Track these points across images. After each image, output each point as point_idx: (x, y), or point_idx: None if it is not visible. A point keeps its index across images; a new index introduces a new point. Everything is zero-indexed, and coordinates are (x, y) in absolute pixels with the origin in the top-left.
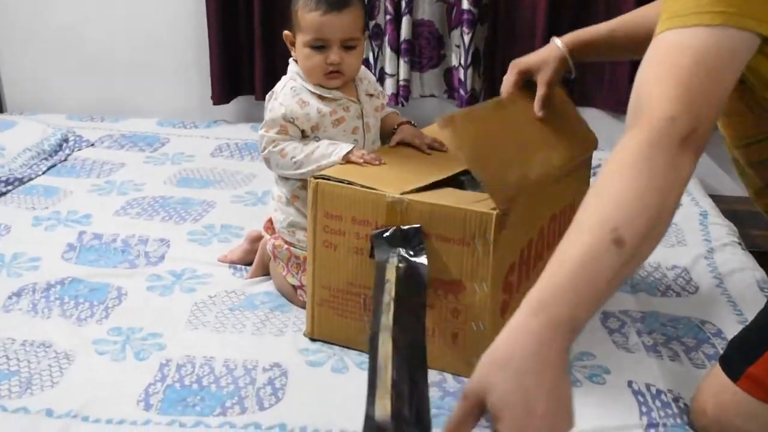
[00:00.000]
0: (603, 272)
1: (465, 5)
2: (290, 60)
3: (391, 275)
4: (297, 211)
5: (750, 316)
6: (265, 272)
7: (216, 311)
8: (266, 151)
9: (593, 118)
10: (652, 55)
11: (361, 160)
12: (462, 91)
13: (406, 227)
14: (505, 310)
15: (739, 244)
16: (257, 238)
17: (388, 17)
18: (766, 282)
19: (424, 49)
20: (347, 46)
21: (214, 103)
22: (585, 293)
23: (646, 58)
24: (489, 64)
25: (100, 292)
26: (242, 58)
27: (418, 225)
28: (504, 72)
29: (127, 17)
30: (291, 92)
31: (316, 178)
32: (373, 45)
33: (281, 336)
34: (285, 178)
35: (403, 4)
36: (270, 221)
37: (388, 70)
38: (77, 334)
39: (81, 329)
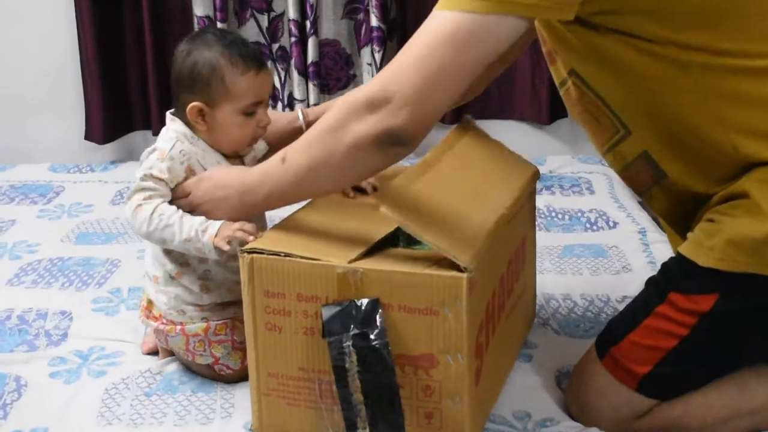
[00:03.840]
0: None
1: (374, 22)
2: (173, 118)
3: (350, 362)
4: (183, 288)
5: None
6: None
7: (131, 398)
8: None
9: (512, 129)
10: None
11: (237, 234)
12: None
13: (361, 301)
14: (478, 377)
15: None
16: None
17: (293, 39)
18: None
19: (332, 70)
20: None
21: (99, 142)
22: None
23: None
24: None
25: None
26: (130, 86)
27: (375, 297)
28: None
29: None
30: (180, 156)
31: (249, 252)
32: (280, 69)
33: (208, 424)
34: (167, 253)
35: (308, 24)
36: (147, 307)
37: (297, 95)
38: None
39: None
